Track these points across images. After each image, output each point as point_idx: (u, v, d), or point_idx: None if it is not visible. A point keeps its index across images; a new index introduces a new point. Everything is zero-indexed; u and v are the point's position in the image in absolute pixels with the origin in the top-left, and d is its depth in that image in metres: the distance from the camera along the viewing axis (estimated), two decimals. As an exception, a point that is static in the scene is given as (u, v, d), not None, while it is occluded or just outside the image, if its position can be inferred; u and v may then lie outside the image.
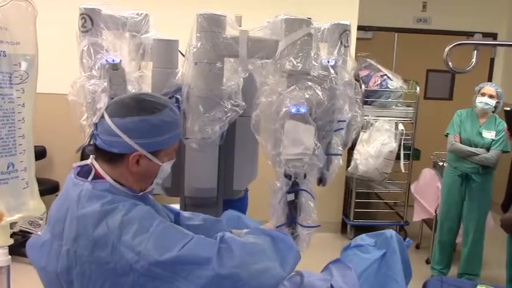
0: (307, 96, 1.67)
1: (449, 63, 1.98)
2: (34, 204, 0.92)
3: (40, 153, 4.25)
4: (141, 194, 1.32)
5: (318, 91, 1.69)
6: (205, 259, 1.17)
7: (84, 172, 1.29)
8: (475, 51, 1.99)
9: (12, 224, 0.91)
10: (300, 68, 1.65)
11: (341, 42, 1.88)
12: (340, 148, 1.96)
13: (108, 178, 1.26)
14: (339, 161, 1.96)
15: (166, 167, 1.33)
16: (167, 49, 1.91)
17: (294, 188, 1.72)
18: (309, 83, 1.68)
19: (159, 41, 1.92)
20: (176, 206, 2.02)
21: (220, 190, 1.88)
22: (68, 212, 1.22)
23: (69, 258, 1.20)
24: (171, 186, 1.94)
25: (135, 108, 1.25)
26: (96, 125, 1.26)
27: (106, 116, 1.24)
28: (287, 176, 1.70)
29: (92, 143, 1.29)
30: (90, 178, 1.26)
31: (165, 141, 1.29)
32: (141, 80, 1.97)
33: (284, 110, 1.66)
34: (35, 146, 4.09)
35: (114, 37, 1.89)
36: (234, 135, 1.90)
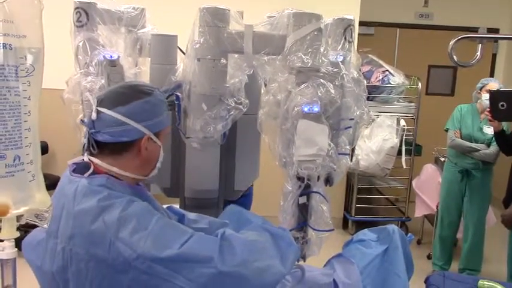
0: (319, 94, 1.59)
1: (454, 56, 1.96)
2: (40, 197, 0.92)
3: (42, 149, 4.25)
4: (144, 179, 1.34)
5: (330, 89, 1.61)
6: (207, 257, 1.16)
7: (80, 169, 1.28)
8: (480, 45, 1.97)
9: (18, 217, 0.91)
10: (309, 64, 1.58)
11: (345, 38, 1.81)
12: (348, 147, 1.88)
13: (114, 169, 1.26)
14: (347, 161, 1.88)
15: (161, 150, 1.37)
16: (166, 45, 1.86)
17: (307, 191, 1.65)
18: (321, 80, 1.61)
19: (158, 36, 1.87)
20: (176, 206, 2.00)
21: (221, 191, 1.83)
22: (64, 209, 1.21)
23: (65, 257, 1.18)
24: (170, 186, 1.90)
25: (134, 94, 1.28)
26: (93, 122, 1.25)
27: (105, 110, 1.24)
28: (300, 179, 1.63)
29: (90, 142, 1.27)
30: (87, 174, 1.24)
31: (164, 120, 1.33)
32: (138, 76, 1.92)
33: (296, 108, 1.58)
34: (37, 142, 4.13)
35: (109, 32, 1.83)
36: (235, 134, 1.85)
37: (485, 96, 3.66)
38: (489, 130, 3.70)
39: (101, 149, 1.27)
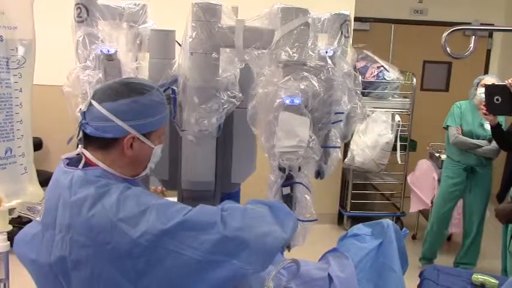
0: (302, 87, 1.62)
1: (448, 48, 1.97)
2: (32, 190, 0.92)
3: (36, 145, 4.24)
4: (134, 178, 1.33)
5: (313, 82, 1.64)
6: (210, 223, 1.19)
7: (73, 163, 1.28)
8: (473, 37, 1.98)
9: (10, 210, 0.90)
10: (296, 58, 1.61)
11: (341, 33, 1.84)
12: (339, 141, 1.91)
13: (101, 164, 1.25)
14: (337, 154, 1.92)
15: (157, 150, 1.35)
16: (164, 39, 1.88)
17: (290, 181, 1.68)
18: (305, 74, 1.63)
19: (156, 31, 1.89)
20: (174, 199, 2.01)
21: (218, 183, 1.85)
22: (60, 199, 1.20)
23: (64, 246, 1.17)
24: (169, 179, 1.91)
25: (125, 91, 1.27)
26: (84, 114, 1.26)
27: (95, 103, 1.25)
28: (281, 169, 1.66)
29: (80, 134, 1.28)
30: (81, 166, 1.25)
31: (156, 122, 1.31)
32: (138, 71, 1.93)
33: (278, 101, 1.61)
34: (31, 138, 4.11)
35: (111, 27, 1.86)
36: (231, 128, 1.87)
37: (480, 90, 3.66)
38: (489, 126, 3.70)
39: (89, 142, 1.28)
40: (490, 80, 3.67)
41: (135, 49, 1.94)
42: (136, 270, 1.14)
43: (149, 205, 1.17)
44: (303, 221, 1.67)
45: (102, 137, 1.24)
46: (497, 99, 2.98)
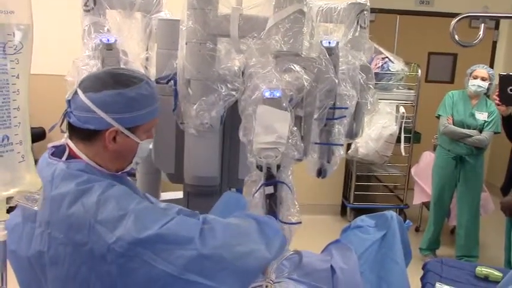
0: (288, 79, 1.51)
1: (456, 36, 1.93)
2: (30, 179, 0.90)
3: (39, 135, 4.23)
4: (119, 173, 1.29)
5: (298, 74, 1.52)
6: (187, 239, 1.13)
7: (58, 152, 1.25)
8: (482, 25, 1.93)
9: (8, 199, 0.89)
10: (287, 48, 1.51)
11: (357, 22, 1.75)
12: (342, 138, 1.80)
13: (83, 157, 1.22)
14: (340, 152, 1.80)
15: (145, 145, 1.30)
16: (171, 30, 1.81)
17: (274, 180, 1.55)
18: (291, 65, 1.52)
19: (163, 21, 1.84)
20: (179, 194, 1.96)
21: (224, 179, 1.80)
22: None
23: (43, 241, 1.15)
24: (175, 172, 1.87)
25: (110, 82, 1.22)
26: (69, 102, 1.22)
27: (79, 92, 1.21)
28: (258, 167, 1.54)
29: (62, 121, 1.25)
30: (64, 158, 1.22)
31: (143, 116, 1.25)
32: (148, 62, 1.91)
33: (256, 93, 1.50)
34: (34, 128, 4.08)
35: (122, 17, 1.83)
36: (239, 122, 1.83)
37: (472, 82, 3.73)
38: (481, 116, 3.76)
39: (73, 132, 1.24)
40: (481, 71, 3.72)
41: (146, 39, 1.92)
42: (111, 275, 1.10)
43: (128, 210, 1.12)
44: (287, 223, 1.56)
45: (85, 128, 1.20)
46: (511, 90, 2.95)
